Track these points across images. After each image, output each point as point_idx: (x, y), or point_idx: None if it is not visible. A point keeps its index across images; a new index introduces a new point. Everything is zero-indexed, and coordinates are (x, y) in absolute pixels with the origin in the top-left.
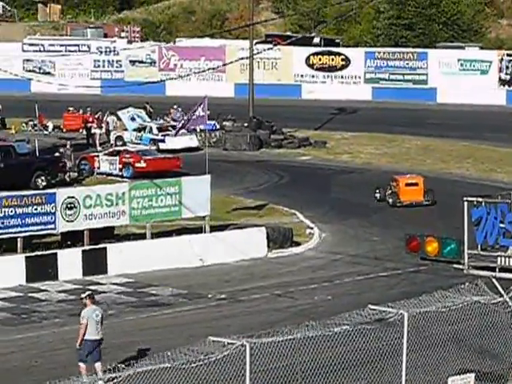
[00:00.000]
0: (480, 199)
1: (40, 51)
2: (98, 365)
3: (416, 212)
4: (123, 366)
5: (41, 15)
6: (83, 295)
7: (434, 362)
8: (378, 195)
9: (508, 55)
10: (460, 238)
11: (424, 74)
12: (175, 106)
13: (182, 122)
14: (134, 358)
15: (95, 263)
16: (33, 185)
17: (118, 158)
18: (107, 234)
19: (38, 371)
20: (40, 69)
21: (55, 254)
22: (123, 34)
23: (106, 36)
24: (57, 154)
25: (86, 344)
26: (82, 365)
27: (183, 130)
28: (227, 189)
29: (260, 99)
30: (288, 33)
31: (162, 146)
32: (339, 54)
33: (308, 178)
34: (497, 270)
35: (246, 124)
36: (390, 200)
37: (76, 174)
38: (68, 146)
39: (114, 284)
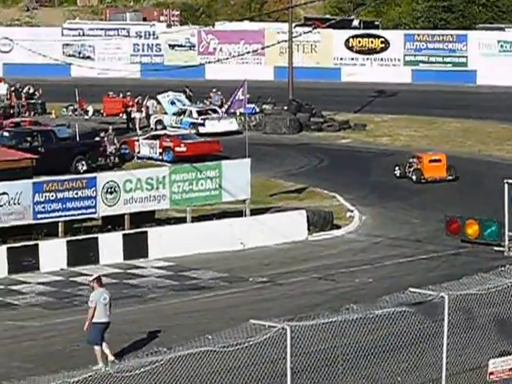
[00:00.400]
0: None
1: (79, 35)
2: (104, 346)
3: (455, 194)
4: (165, 349)
5: (80, 0)
6: (90, 278)
7: (474, 344)
8: (397, 172)
9: None
10: (500, 220)
11: (463, 56)
12: (214, 90)
13: (226, 107)
14: (175, 342)
15: (136, 247)
16: (73, 169)
17: (158, 142)
18: (148, 218)
19: (80, 355)
20: (80, 53)
21: (96, 238)
22: (162, 18)
23: (145, 20)
24: (97, 139)
25: (96, 327)
26: (97, 348)
27: (224, 114)
28: (267, 172)
29: (299, 82)
30: (327, 16)
31: (201, 129)
32: (378, 36)
33: (348, 160)
34: None
35: (285, 107)
36: (414, 177)
37: (117, 158)
38: (110, 131)
39: (154, 268)
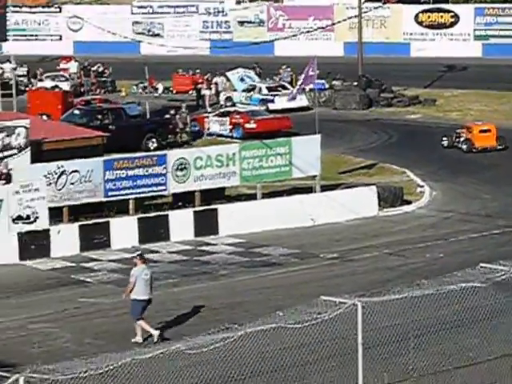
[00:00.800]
0: None
1: (149, 13)
2: (140, 322)
3: None
4: (236, 326)
5: None
6: (133, 255)
7: None
8: (445, 143)
9: None
10: None
11: None
12: (284, 66)
13: (297, 86)
14: (246, 318)
15: (206, 224)
16: (143, 147)
17: (227, 118)
18: (218, 195)
19: (145, 332)
20: (149, 31)
21: (167, 215)
22: None
23: None
24: (167, 116)
25: (137, 303)
26: (140, 322)
27: (294, 92)
28: (337, 148)
29: (369, 58)
30: None
31: (271, 106)
32: (448, 10)
33: (418, 136)
34: None
35: (355, 83)
36: (464, 146)
37: (187, 135)
38: (183, 109)
39: (225, 244)
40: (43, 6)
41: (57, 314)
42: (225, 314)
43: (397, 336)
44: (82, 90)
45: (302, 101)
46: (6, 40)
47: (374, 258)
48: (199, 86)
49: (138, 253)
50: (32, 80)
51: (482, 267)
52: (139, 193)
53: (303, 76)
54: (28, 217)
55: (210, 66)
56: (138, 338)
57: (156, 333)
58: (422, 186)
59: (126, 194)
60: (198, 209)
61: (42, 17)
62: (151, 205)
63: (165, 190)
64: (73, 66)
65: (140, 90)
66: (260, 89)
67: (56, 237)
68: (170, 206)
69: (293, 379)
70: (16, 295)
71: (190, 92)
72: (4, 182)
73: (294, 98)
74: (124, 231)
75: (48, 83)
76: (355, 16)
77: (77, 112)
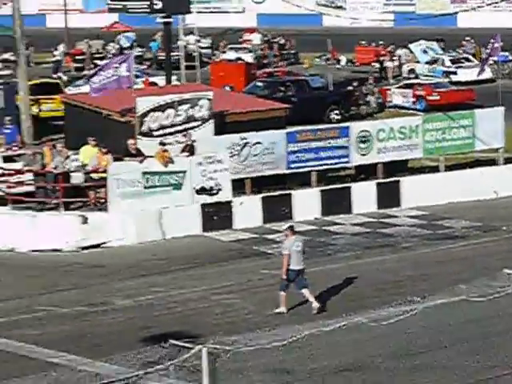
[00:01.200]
0: None
1: None
2: (305, 291)
3: None
4: (418, 298)
5: None
6: (284, 227)
7: None
8: None
9: None
10: None
11: None
12: (467, 38)
13: (483, 61)
14: (428, 291)
15: (389, 196)
16: (326, 119)
17: (410, 90)
18: (401, 167)
19: (328, 304)
20: (332, 3)
21: (349, 187)
22: None
23: None
24: (350, 88)
25: (288, 274)
26: (282, 293)
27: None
28: None
29: None
30: None
31: (454, 78)
32: None
33: None
34: None
35: None
36: None
37: (373, 109)
38: (371, 81)
39: (407, 217)
40: None
41: (239, 286)
42: (407, 287)
43: None
44: (265, 61)
45: (485, 73)
46: (189, 12)
47: None
48: (382, 58)
49: (289, 225)
50: (215, 52)
51: None
52: (322, 165)
53: (489, 48)
54: (211, 188)
55: (393, 37)
56: (282, 309)
57: (283, 309)
58: None
59: (309, 166)
60: (380, 181)
61: None
62: (334, 177)
63: (347, 162)
64: (256, 38)
65: (323, 62)
66: (443, 61)
67: (238, 208)
68: (353, 179)
69: (477, 352)
70: (198, 266)
71: (373, 64)
72: (188, 153)
73: (483, 71)
74: (306, 203)
75: (231, 55)
76: None
77: (259, 84)
